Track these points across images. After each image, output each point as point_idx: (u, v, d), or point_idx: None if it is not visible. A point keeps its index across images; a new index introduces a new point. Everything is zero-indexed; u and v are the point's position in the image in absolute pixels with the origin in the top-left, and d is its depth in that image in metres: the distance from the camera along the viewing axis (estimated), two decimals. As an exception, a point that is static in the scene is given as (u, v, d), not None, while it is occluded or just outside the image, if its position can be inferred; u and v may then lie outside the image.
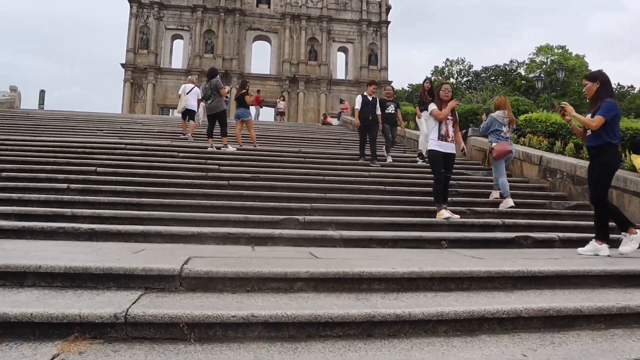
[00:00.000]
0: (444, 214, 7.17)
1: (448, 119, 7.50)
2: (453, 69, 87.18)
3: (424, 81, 13.26)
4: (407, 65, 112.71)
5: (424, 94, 12.30)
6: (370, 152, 11.53)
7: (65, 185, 7.43)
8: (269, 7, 49.97)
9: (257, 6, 49.75)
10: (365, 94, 11.96)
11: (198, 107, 15.54)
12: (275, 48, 49.98)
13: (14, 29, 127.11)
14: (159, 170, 9.02)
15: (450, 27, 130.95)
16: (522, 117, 12.12)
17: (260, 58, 51.07)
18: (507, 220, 7.23)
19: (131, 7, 47.24)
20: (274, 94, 45.14)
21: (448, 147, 7.47)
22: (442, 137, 7.42)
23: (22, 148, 10.32)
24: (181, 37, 48.43)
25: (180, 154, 10.52)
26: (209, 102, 12.21)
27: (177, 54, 48.84)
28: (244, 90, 13.01)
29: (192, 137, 14.52)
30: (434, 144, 7.46)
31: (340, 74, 51.96)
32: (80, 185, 7.51)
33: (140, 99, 46.93)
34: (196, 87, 15.27)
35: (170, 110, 46.16)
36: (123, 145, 10.99)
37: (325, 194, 8.10)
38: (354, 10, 51.82)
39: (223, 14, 48.05)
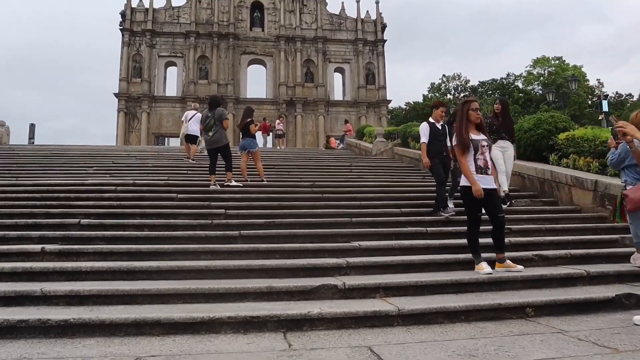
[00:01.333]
0: (484, 267, 5.68)
1: (484, 145, 6.09)
2: (450, 84, 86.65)
3: (495, 102, 10.62)
4: (401, 83, 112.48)
5: (496, 119, 9.78)
6: (440, 198, 8.72)
7: (39, 248, 5.97)
8: (263, 30, 49.12)
9: (250, 30, 48.90)
10: (431, 120, 9.17)
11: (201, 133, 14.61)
12: (271, 71, 48.99)
13: (5, 62, 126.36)
14: (155, 219, 7.60)
15: (440, 45, 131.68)
16: (562, 136, 10.74)
17: (256, 82, 50.13)
18: (591, 270, 5.78)
19: (123, 35, 46.29)
20: (271, 118, 43.94)
21: (488, 182, 5.92)
22: (481, 170, 5.93)
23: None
24: (175, 64, 47.41)
25: (179, 195, 9.10)
26: (210, 133, 10.76)
27: (171, 82, 47.78)
28: (249, 119, 11.65)
29: (193, 160, 15.19)
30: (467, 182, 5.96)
31: (337, 95, 50.98)
32: (58, 247, 6.05)
33: (135, 128, 45.67)
34: (198, 113, 15.18)
35: (166, 139, 45.06)
36: (113, 187, 9.58)
37: (359, 242, 6.67)
38: (348, 29, 51.03)
39: (216, 39, 47.12)
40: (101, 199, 8.86)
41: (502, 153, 9.43)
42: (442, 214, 8.47)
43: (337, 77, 51.44)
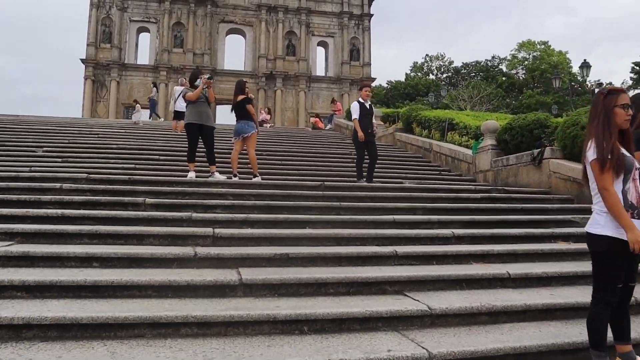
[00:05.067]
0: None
1: (637, 168, 3.59)
2: (432, 64, 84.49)
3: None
4: (379, 61, 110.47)
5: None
6: (367, 173, 9.84)
7: None
8: (244, -3, 45.96)
9: (230, -4, 45.68)
10: (360, 100, 10.21)
11: None
12: (250, 42, 46.05)
13: None
14: (110, 242, 5.22)
15: (408, 28, 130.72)
16: None
17: (234, 53, 47.16)
18: None
19: (91, -5, 42.61)
20: (250, 92, 41.15)
21: None
22: (633, 208, 3.38)
23: None
24: (148, 30, 44.09)
25: (148, 200, 6.66)
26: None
27: (144, 49, 44.50)
28: (244, 96, 9.22)
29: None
30: (613, 228, 3.36)
31: (320, 71, 48.36)
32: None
33: (103, 97, 42.48)
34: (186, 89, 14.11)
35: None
36: (59, 186, 7.06)
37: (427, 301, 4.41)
38: (334, 2, 48.28)
39: (193, 5, 43.88)
40: (38, 203, 6.38)
41: None
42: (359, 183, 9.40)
43: (320, 51, 48.85)
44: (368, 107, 10.21)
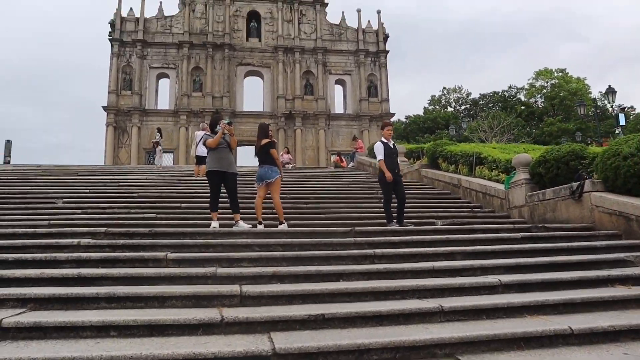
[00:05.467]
0: None
1: None
2: (450, 97, 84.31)
3: None
4: (394, 97, 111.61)
5: None
6: (397, 215, 9.41)
7: None
8: (260, 40, 46.59)
9: (247, 40, 46.36)
10: (383, 139, 10.05)
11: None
12: (269, 83, 46.34)
13: None
14: (130, 305, 4.80)
15: (422, 63, 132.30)
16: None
17: (253, 95, 47.42)
18: None
19: (112, 46, 43.61)
20: (272, 135, 41.16)
21: None
22: None
23: None
24: (167, 76, 44.68)
25: (170, 255, 6.24)
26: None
27: (163, 94, 44.97)
28: (267, 140, 8.89)
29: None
30: None
31: (338, 108, 48.33)
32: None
33: (125, 143, 42.77)
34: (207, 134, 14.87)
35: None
36: (76, 242, 6.71)
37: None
38: (349, 40, 48.59)
39: (211, 50, 44.49)
40: (54, 262, 6.02)
41: None
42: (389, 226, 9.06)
43: (338, 89, 48.95)
44: (392, 146, 10.05)
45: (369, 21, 49.17)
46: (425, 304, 5.06)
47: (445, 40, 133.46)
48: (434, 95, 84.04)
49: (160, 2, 45.70)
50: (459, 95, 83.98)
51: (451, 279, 5.94)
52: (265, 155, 8.89)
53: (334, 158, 27.88)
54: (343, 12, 49.02)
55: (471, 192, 13.45)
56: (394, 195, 9.60)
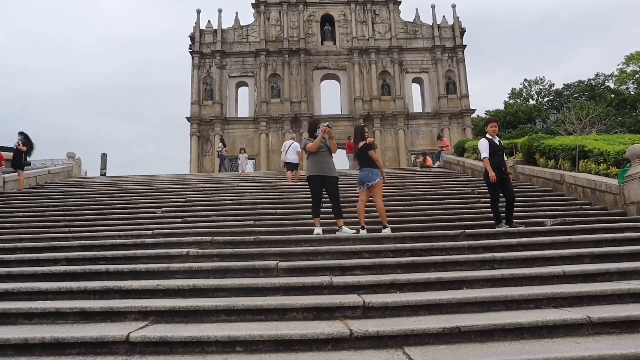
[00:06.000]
0: None
1: None
2: (532, 89, 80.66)
3: None
4: (471, 92, 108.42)
5: None
6: (506, 215, 8.79)
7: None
8: (335, 43, 46.49)
9: (322, 44, 46.40)
10: (488, 136, 9.42)
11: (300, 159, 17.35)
12: (345, 86, 46.16)
13: (89, 90, 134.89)
14: (256, 322, 4.62)
15: (500, 55, 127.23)
16: None
17: (330, 98, 47.46)
18: None
19: (193, 58, 45.01)
20: (348, 134, 40.94)
21: None
22: None
23: None
24: (246, 84, 45.56)
25: (280, 265, 6.07)
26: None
27: (243, 102, 45.93)
28: (364, 142, 8.59)
29: (294, 182, 15.69)
30: None
31: (417, 107, 47.33)
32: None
33: (208, 152, 43.98)
34: (295, 142, 17.03)
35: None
36: (185, 252, 6.68)
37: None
38: (425, 37, 47.46)
39: (287, 56, 44.90)
40: (167, 273, 6.00)
41: None
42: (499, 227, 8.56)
43: (415, 87, 47.97)
44: (498, 142, 9.44)
45: (443, 16, 47.84)
46: (567, 314, 4.56)
47: (522, 31, 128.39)
48: (514, 89, 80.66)
49: (237, 13, 46.68)
50: (541, 87, 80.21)
51: (588, 285, 5.38)
52: (364, 158, 8.58)
53: (419, 158, 27.19)
54: (417, 9, 47.99)
55: (577, 189, 12.53)
56: (500, 195, 9.01)
